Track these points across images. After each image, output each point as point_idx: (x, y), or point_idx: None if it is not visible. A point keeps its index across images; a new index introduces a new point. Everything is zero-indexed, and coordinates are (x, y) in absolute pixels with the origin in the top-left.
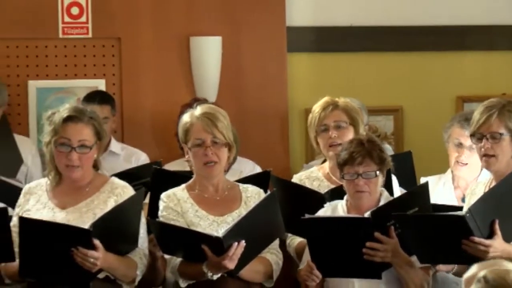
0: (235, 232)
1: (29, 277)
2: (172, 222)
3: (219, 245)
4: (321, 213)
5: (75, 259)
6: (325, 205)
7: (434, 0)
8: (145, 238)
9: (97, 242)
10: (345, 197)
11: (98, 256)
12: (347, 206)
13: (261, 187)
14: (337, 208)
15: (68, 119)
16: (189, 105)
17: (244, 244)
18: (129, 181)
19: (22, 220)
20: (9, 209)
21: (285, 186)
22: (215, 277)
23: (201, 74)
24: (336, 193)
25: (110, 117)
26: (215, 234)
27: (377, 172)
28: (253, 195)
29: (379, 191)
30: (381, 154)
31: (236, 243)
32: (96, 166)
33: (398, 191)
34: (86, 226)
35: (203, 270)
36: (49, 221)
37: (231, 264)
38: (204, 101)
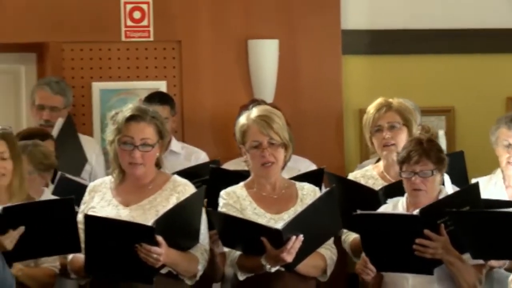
0: (294, 226)
1: (94, 273)
2: None
3: (278, 238)
4: (382, 209)
5: (139, 255)
6: (387, 200)
7: (485, 3)
8: (206, 234)
9: (160, 238)
10: (405, 195)
11: (161, 252)
12: (407, 203)
13: (315, 184)
14: (398, 205)
15: (131, 118)
16: (247, 106)
17: (302, 238)
18: (189, 179)
19: (88, 218)
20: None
21: (341, 183)
22: (273, 269)
23: (259, 75)
24: (390, 190)
25: (170, 117)
26: (274, 226)
27: (434, 171)
28: (309, 193)
29: (438, 189)
30: (439, 154)
31: (294, 237)
32: (158, 164)
33: (450, 189)
34: (149, 223)
35: (261, 263)
36: (113, 218)
37: (289, 257)
38: (262, 102)
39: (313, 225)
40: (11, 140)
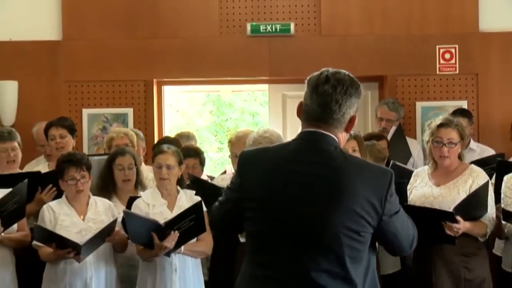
0: None
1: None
2: (510, 202)
3: None
4: None
5: (444, 228)
6: None
7: None
8: (492, 206)
9: (459, 218)
10: None
11: (459, 227)
12: None
13: None
14: None
15: (440, 125)
16: None
17: None
18: (482, 167)
19: (406, 207)
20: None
21: None
22: None
23: None
24: None
25: (468, 126)
26: None
27: None
28: None
29: None
30: None
31: None
32: (460, 157)
33: None
34: (453, 200)
35: None
36: (425, 207)
37: None
38: None
39: None
40: (359, 140)
